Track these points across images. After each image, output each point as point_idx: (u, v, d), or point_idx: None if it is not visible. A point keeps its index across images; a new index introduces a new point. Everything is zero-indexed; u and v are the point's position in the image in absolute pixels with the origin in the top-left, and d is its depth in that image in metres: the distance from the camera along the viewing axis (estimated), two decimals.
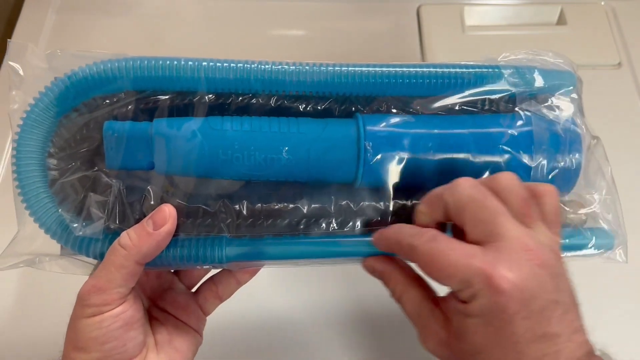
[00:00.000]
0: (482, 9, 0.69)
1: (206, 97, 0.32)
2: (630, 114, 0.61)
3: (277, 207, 0.32)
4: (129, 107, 0.32)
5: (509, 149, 0.32)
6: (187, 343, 0.35)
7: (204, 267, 0.33)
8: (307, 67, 0.32)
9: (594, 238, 0.33)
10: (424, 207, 0.30)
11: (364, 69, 0.32)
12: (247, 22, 0.68)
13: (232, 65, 0.31)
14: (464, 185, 0.28)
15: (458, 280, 0.26)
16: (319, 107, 0.33)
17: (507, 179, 0.28)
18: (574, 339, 0.25)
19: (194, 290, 0.37)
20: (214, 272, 0.37)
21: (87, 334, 0.29)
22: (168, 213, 0.30)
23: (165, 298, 0.36)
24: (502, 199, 0.27)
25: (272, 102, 0.33)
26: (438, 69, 0.33)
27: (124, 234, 0.30)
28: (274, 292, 0.50)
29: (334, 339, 0.48)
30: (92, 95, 0.31)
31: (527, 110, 0.33)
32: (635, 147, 0.59)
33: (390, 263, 0.31)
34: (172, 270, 0.37)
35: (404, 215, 0.32)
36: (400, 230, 0.29)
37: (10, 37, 0.65)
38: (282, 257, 0.32)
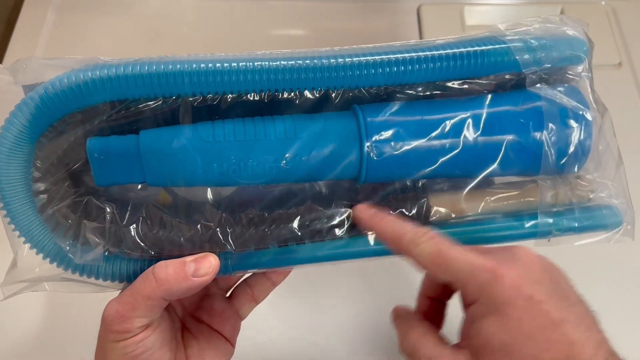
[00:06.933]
0: (482, 9, 0.69)
1: (190, 98, 0.29)
2: (631, 114, 0.61)
3: (278, 213, 0.31)
4: (110, 118, 0.29)
5: (520, 128, 0.31)
6: (219, 356, 0.34)
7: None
8: (301, 62, 0.30)
9: (605, 216, 0.32)
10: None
11: (359, 58, 0.30)
12: (247, 22, 0.68)
13: (218, 65, 0.29)
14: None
15: (463, 273, 0.27)
16: (315, 96, 0.31)
17: None
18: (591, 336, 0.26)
19: (228, 294, 0.37)
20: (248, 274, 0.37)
21: (114, 357, 0.29)
22: (213, 265, 0.29)
23: (202, 306, 0.36)
24: None
25: (265, 96, 0.30)
26: (435, 52, 0.30)
27: (161, 265, 0.29)
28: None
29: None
30: (68, 111, 0.28)
31: (537, 89, 0.31)
32: (636, 147, 0.58)
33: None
34: None
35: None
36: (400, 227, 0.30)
37: (9, 37, 0.65)
38: (304, 262, 0.31)
